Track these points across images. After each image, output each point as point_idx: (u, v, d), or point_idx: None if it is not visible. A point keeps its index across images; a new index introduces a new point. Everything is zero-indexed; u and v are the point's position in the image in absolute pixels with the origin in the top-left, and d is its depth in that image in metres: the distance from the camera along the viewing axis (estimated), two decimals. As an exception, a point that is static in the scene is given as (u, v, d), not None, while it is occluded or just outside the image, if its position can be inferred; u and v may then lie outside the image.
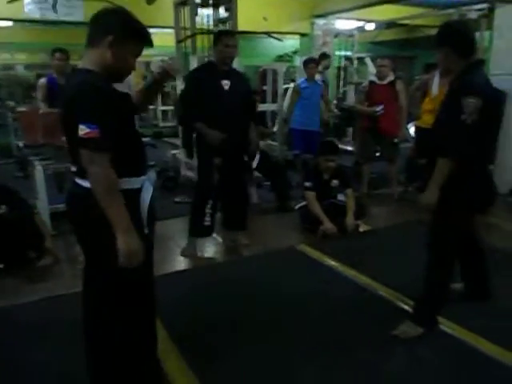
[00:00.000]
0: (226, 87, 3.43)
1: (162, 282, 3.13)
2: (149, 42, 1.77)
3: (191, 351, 2.38)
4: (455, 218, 2.36)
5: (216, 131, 3.37)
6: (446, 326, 2.56)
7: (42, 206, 4.03)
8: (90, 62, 1.70)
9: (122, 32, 1.67)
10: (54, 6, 6.27)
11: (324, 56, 6.73)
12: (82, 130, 1.55)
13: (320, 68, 6.48)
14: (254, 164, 4.89)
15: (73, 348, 2.36)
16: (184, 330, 2.59)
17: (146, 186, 1.81)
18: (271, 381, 2.20)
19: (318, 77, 5.82)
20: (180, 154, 5.88)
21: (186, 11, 5.30)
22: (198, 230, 3.68)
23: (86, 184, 1.68)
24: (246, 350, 2.41)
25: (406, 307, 2.79)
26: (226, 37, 3.44)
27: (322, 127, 5.91)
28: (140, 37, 1.74)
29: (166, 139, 9.14)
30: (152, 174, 1.87)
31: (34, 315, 2.77)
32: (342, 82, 8.35)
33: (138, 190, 1.77)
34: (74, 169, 1.76)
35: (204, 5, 5.40)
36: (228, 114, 3.40)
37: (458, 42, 2.31)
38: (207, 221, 3.61)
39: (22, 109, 8.01)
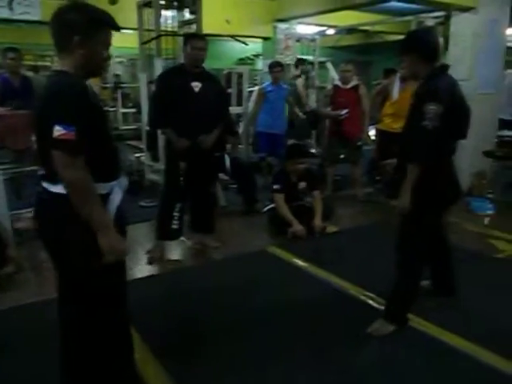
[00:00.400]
0: (197, 89, 3.43)
1: (131, 287, 3.10)
2: (115, 27, 1.72)
3: (167, 357, 2.35)
4: (424, 218, 2.45)
5: (183, 139, 3.37)
6: (415, 322, 2.65)
7: (3, 212, 3.87)
8: (64, 65, 1.67)
9: (87, 28, 1.63)
10: (9, 4, 6.03)
11: (301, 60, 6.86)
12: (58, 130, 1.50)
13: (297, 72, 6.61)
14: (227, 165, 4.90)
15: (40, 359, 2.31)
16: (159, 336, 2.56)
17: (116, 191, 1.76)
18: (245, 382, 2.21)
19: (299, 80, 5.94)
20: (144, 157, 5.79)
21: (149, 13, 5.23)
22: (166, 233, 3.65)
23: (55, 189, 1.64)
24: (220, 353, 2.41)
25: (375, 305, 2.87)
26: (194, 39, 3.44)
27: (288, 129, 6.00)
28: (105, 24, 1.69)
29: (127, 142, 8.96)
30: (123, 180, 1.84)
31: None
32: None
33: (106, 195, 1.72)
34: (42, 172, 1.71)
35: (168, 7, 5.37)
36: (198, 116, 3.40)
37: (423, 48, 2.41)
38: (175, 224, 3.59)
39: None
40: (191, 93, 3.40)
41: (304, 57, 7.73)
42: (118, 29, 1.72)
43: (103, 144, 1.73)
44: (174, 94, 3.38)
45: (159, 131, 4.30)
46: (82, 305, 1.78)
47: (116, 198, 1.75)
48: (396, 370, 2.29)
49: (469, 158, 5.43)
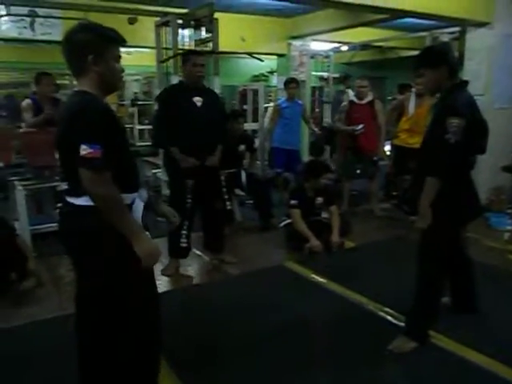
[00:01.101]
0: (199, 103, 3.45)
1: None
2: (123, 41, 1.80)
3: (184, 371, 2.35)
4: (444, 234, 2.43)
5: (191, 158, 3.39)
6: (436, 339, 2.61)
7: (23, 227, 3.94)
8: (82, 86, 1.72)
9: (98, 45, 1.69)
10: (31, 25, 6.21)
11: (347, 76, 6.95)
12: (84, 149, 1.55)
13: (343, 88, 6.70)
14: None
15: (61, 375, 2.32)
16: (174, 350, 2.55)
17: (137, 203, 1.81)
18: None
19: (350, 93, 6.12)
20: (161, 173, 5.85)
21: (166, 32, 5.35)
22: (176, 252, 3.66)
23: (78, 202, 1.68)
24: (237, 368, 2.40)
25: (395, 321, 2.84)
26: (193, 56, 3.47)
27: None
28: (114, 40, 1.76)
29: (144, 158, 9.06)
30: (143, 192, 1.88)
31: (19, 341, 2.68)
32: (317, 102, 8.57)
33: (129, 206, 1.76)
34: (65, 186, 1.76)
35: (185, 26, 5.48)
36: (202, 130, 3.41)
37: (450, 62, 2.41)
38: (183, 242, 3.60)
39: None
40: (194, 107, 3.42)
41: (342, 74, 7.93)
42: (125, 42, 1.80)
43: (124, 158, 1.78)
44: (177, 111, 3.39)
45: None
46: (110, 324, 1.79)
47: (138, 207, 1.80)
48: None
49: (487, 172, 5.38)
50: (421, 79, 4.98)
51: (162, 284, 3.51)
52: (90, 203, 1.65)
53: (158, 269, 3.71)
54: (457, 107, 2.29)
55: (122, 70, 1.83)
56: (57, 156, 1.78)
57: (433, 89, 2.50)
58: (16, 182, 4.05)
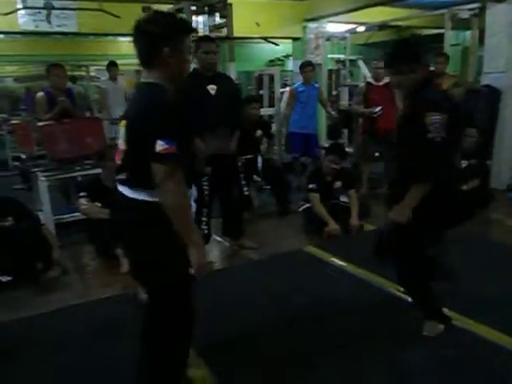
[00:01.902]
0: (213, 92, 3.43)
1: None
2: (194, 31, 1.83)
3: (209, 357, 2.38)
4: (421, 232, 2.30)
5: (207, 145, 3.38)
6: (461, 321, 2.60)
7: (47, 217, 4.03)
8: (151, 77, 1.69)
9: (174, 38, 1.65)
10: (47, 17, 6.27)
11: None
12: (161, 145, 1.54)
13: None
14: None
15: (90, 358, 2.39)
16: (201, 336, 2.59)
17: (190, 202, 1.81)
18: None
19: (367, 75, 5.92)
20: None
21: (181, 19, 5.35)
22: None
23: (135, 195, 1.68)
24: (265, 351, 2.44)
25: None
26: (205, 43, 3.42)
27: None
28: (188, 30, 1.75)
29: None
30: (193, 189, 1.89)
31: (48, 327, 2.76)
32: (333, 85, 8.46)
33: None
34: (122, 176, 1.74)
35: (199, 12, 5.47)
36: (217, 118, 3.40)
37: (419, 57, 2.25)
38: (203, 229, 3.62)
39: (16, 121, 8.00)
40: (208, 96, 3.41)
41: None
42: (195, 32, 1.80)
43: (188, 154, 1.77)
44: (192, 100, 3.38)
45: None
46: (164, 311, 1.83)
47: (191, 206, 1.81)
48: (449, 370, 2.26)
49: (509, 152, 5.30)
50: (438, 59, 4.91)
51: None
52: (150, 199, 1.64)
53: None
54: (437, 102, 2.15)
55: (190, 62, 1.82)
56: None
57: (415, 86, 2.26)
58: (39, 173, 4.13)
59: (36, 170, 4.22)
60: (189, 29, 1.77)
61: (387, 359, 2.34)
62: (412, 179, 2.20)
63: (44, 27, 6.34)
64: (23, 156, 4.46)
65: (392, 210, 2.32)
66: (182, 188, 1.61)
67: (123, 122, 1.70)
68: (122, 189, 1.74)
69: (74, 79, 9.88)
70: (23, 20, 6.19)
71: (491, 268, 3.24)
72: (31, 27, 6.27)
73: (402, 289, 2.81)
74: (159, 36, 1.63)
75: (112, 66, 6.62)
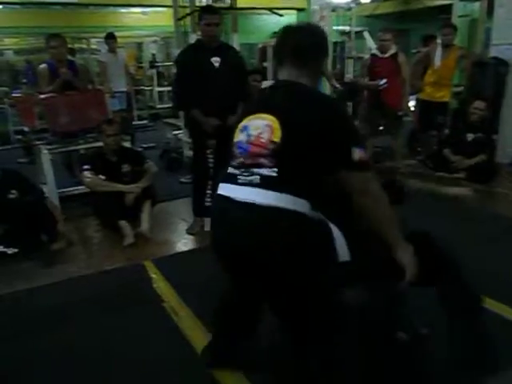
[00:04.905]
0: (217, 64, 3.38)
1: (176, 260, 3.19)
2: None
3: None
4: None
5: (212, 118, 3.36)
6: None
7: (51, 190, 4.03)
8: (300, 78, 1.68)
9: (327, 52, 1.81)
10: (47, -13, 6.15)
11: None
12: (357, 153, 1.53)
13: None
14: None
15: (96, 328, 2.42)
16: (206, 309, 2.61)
17: None
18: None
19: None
20: (182, 134, 5.85)
21: (183, -11, 5.24)
22: (201, 211, 3.70)
23: (289, 206, 1.49)
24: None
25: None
26: (207, 14, 3.35)
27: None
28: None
29: (164, 120, 9.08)
30: None
31: (54, 297, 2.78)
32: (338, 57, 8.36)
33: None
34: (266, 173, 1.55)
35: (202, -19, 5.35)
36: (221, 91, 3.35)
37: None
38: (208, 201, 3.62)
39: (16, 94, 7.94)
40: (212, 69, 3.36)
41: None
42: None
43: None
44: (195, 72, 3.34)
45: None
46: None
47: None
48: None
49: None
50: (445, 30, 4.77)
51: (188, 242, 3.58)
52: (305, 210, 1.50)
53: (183, 228, 3.79)
54: None
55: None
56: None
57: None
58: (41, 147, 4.12)
59: (39, 143, 4.21)
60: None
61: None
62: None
63: (44, -3, 6.24)
64: (26, 129, 4.44)
65: None
66: (379, 186, 1.60)
67: (265, 115, 1.60)
68: (247, 194, 1.56)
69: (73, 51, 9.74)
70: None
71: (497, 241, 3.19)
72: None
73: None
74: (324, 48, 1.78)
75: (110, 38, 6.34)
